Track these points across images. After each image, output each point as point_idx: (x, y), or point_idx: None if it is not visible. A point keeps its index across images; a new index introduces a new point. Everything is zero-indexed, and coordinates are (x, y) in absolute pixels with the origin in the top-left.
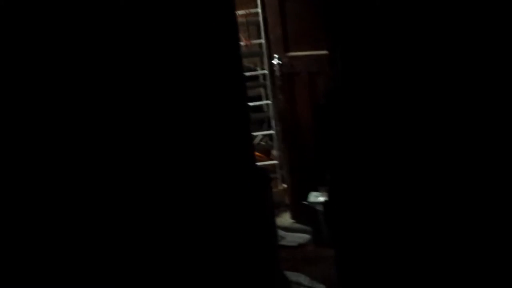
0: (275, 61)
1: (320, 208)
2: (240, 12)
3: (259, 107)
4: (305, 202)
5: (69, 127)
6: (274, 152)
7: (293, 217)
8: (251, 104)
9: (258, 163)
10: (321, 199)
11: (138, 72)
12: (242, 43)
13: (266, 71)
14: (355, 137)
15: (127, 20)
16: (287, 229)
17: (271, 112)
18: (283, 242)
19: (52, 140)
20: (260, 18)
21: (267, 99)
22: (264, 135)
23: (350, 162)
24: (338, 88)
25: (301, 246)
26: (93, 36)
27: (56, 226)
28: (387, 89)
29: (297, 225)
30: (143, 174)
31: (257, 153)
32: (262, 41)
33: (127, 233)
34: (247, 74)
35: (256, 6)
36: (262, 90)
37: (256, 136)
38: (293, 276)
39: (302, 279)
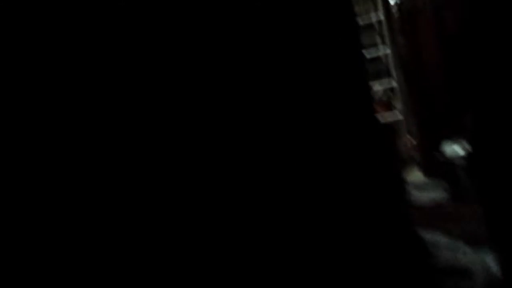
0: (391, 0)
1: (459, 161)
2: None
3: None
4: (438, 156)
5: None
6: (397, 106)
7: (425, 173)
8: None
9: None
10: (459, 150)
11: None
12: None
13: (381, 16)
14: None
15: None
16: (419, 187)
17: (390, 61)
18: (416, 201)
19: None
20: None
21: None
22: (385, 89)
23: (498, 101)
24: (474, 17)
25: (437, 204)
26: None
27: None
28: None
29: (431, 182)
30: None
31: (377, 107)
32: None
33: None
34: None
35: None
36: (377, 38)
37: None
38: (429, 235)
39: (440, 238)
